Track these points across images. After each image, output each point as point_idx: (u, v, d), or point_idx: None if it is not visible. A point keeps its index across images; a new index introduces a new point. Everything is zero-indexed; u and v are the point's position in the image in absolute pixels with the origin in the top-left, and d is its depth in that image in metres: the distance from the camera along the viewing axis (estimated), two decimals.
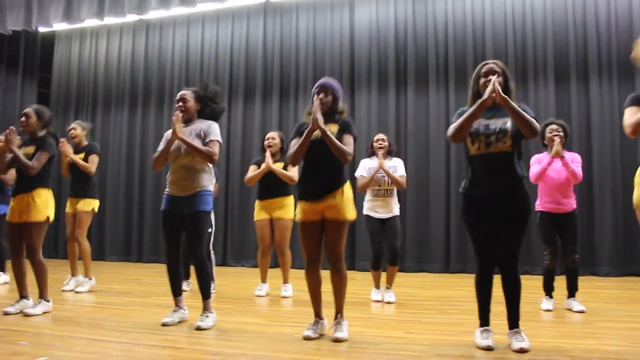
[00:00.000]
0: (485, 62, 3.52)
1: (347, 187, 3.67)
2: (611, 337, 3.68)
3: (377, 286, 5.33)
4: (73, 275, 5.87)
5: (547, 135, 4.72)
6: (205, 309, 3.99)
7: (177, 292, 4.11)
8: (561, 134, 4.68)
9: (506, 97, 3.19)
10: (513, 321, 3.37)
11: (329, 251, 3.65)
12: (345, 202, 3.61)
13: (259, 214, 5.61)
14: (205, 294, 4.00)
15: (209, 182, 4.08)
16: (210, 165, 4.08)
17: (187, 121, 4.05)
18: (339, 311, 3.69)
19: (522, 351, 3.18)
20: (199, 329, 3.83)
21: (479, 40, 8.21)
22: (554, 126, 4.73)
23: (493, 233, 3.38)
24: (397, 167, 5.25)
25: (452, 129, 3.35)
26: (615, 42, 7.63)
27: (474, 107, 3.24)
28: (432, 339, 3.57)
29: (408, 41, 8.51)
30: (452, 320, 4.26)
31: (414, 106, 8.37)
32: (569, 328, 4.07)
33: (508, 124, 3.30)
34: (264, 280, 5.69)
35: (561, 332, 3.84)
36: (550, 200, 4.71)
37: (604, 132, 7.58)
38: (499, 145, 3.28)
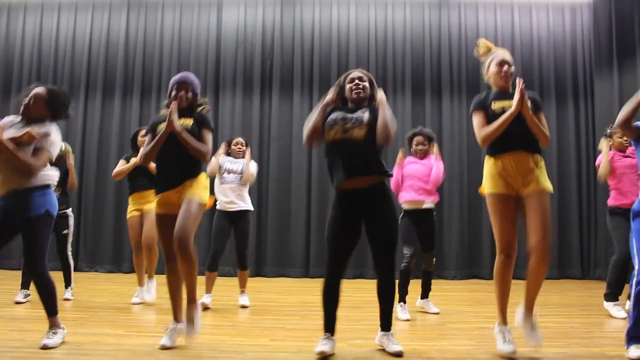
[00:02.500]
0: (351, 70, 3.71)
1: (203, 176, 3.67)
2: (462, 337, 3.98)
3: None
4: None
5: (414, 147, 5.07)
6: (53, 325, 3.56)
7: None
8: (426, 147, 5.05)
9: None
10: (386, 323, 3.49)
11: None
12: (200, 187, 3.58)
13: (130, 211, 5.43)
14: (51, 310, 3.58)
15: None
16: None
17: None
18: (192, 301, 3.56)
19: (399, 355, 3.30)
20: (45, 347, 3.39)
21: (343, 50, 8.51)
22: (419, 138, 5.08)
23: (351, 228, 3.44)
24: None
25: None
26: (465, 64, 8.40)
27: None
28: (297, 346, 3.61)
29: (275, 46, 8.58)
30: (315, 326, 4.23)
31: (278, 111, 8.45)
32: (424, 330, 4.33)
33: (366, 116, 3.45)
34: (140, 284, 5.38)
35: (417, 335, 4.07)
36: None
37: (453, 144, 8.20)
38: (355, 132, 3.40)
